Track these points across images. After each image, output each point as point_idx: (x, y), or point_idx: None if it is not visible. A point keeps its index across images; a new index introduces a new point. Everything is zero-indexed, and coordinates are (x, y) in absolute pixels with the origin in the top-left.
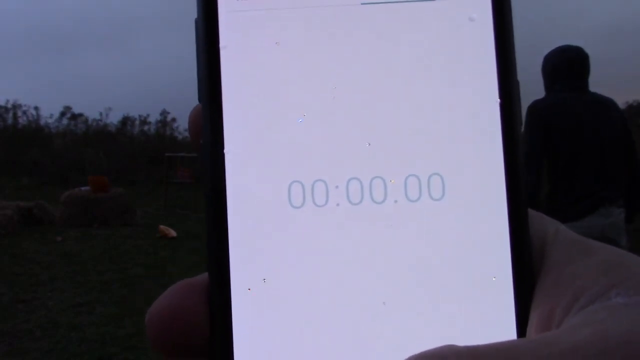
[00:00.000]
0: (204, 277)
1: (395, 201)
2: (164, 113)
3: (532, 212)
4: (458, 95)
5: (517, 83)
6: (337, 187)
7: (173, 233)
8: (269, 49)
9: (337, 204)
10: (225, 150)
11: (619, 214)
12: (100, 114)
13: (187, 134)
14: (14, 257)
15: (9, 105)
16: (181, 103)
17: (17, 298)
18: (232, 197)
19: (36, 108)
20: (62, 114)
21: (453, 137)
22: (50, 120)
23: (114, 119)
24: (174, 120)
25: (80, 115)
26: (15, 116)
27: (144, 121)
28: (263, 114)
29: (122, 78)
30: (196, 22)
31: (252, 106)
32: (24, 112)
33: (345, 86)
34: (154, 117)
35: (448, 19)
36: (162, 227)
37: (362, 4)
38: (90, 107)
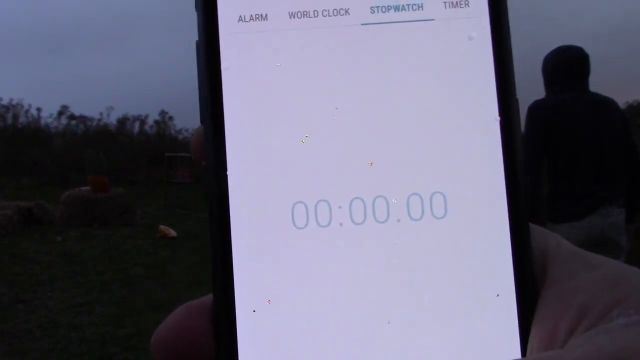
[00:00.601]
0: (209, 298)
1: (398, 220)
2: (163, 113)
3: (533, 227)
4: (458, 113)
5: (516, 100)
6: (340, 207)
7: (173, 233)
8: (270, 70)
9: (341, 224)
10: (228, 172)
11: (619, 214)
12: (101, 113)
13: (187, 134)
14: (14, 257)
15: (9, 105)
16: (180, 103)
17: (17, 298)
18: (236, 219)
19: (38, 109)
20: (60, 114)
21: (454, 155)
22: (50, 120)
23: (114, 119)
24: (171, 118)
25: (81, 116)
26: (15, 116)
27: (143, 121)
28: (265, 135)
29: (121, 78)
30: (197, 44)
31: (254, 127)
32: (26, 112)
33: (347, 106)
34: (153, 117)
35: (447, 39)
36: (162, 227)
37: (362, 24)
38: (90, 107)
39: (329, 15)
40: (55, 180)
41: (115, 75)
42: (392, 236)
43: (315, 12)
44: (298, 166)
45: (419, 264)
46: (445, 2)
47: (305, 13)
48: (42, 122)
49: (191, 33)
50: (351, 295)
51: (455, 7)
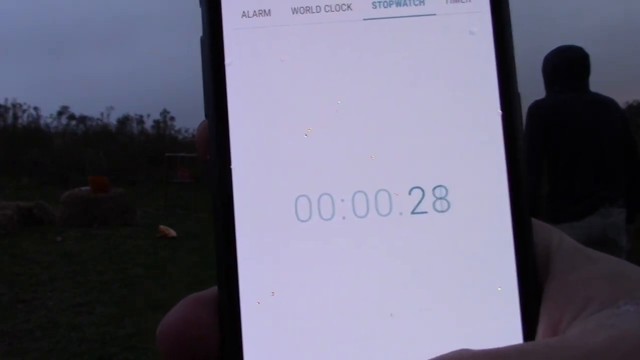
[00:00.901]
0: (212, 290)
1: (401, 213)
2: (164, 112)
3: (536, 222)
4: (460, 107)
5: (517, 95)
6: (342, 200)
7: (173, 233)
8: (274, 65)
9: (343, 217)
10: (232, 166)
11: (619, 214)
12: (101, 113)
13: (187, 134)
14: (14, 257)
15: (9, 105)
16: (181, 103)
17: (17, 298)
18: (240, 212)
19: (36, 108)
20: (60, 114)
21: (456, 149)
22: (50, 120)
23: (114, 119)
24: (172, 119)
25: (81, 116)
26: (15, 116)
27: (143, 121)
28: (269, 129)
29: (121, 78)
30: (202, 40)
31: (257, 122)
32: (24, 112)
33: (349, 100)
34: (153, 117)
35: (449, 33)
36: (162, 227)
37: (364, 19)
38: (90, 107)
39: (332, 11)
40: (55, 180)
41: (115, 75)
42: (395, 229)
43: (318, 7)
44: (301, 160)
45: (421, 258)
46: None
47: (308, 9)
48: (42, 122)
49: (191, 33)
50: (354, 288)
51: (456, 2)
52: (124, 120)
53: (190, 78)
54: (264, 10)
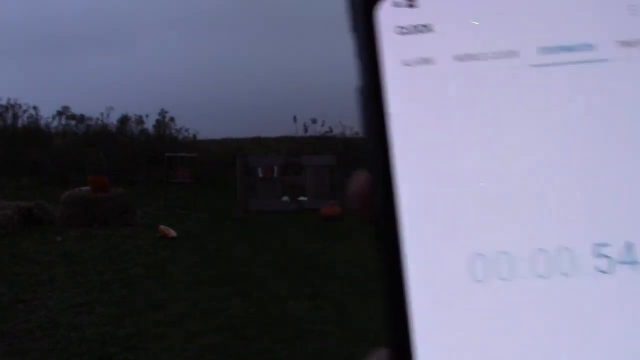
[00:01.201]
0: (384, 353)
1: (587, 273)
2: (163, 112)
3: None
4: None
5: None
6: (522, 258)
7: (173, 233)
8: (440, 115)
9: (524, 277)
10: (402, 223)
11: None
12: (102, 113)
13: (187, 133)
14: (14, 257)
15: (9, 104)
16: (180, 103)
17: (17, 298)
18: (412, 273)
19: (35, 108)
20: (60, 114)
21: None
22: (50, 120)
23: (114, 119)
24: (172, 119)
25: (81, 116)
26: (15, 116)
27: (140, 121)
28: (438, 183)
29: (121, 78)
30: (361, 90)
31: (426, 176)
32: (24, 112)
33: (523, 152)
34: (154, 117)
35: (624, 80)
36: (162, 227)
37: (531, 66)
38: (90, 107)
39: (497, 58)
40: (55, 180)
41: (115, 75)
42: (582, 291)
43: (483, 54)
44: (475, 216)
45: (612, 324)
46: (618, 42)
47: (472, 56)
48: (42, 122)
49: (191, 33)
50: (540, 355)
51: (630, 46)
52: (124, 120)
53: (190, 78)
54: (427, 59)
